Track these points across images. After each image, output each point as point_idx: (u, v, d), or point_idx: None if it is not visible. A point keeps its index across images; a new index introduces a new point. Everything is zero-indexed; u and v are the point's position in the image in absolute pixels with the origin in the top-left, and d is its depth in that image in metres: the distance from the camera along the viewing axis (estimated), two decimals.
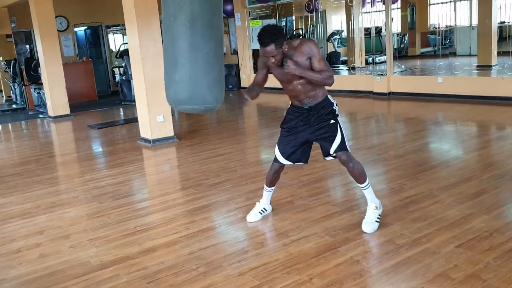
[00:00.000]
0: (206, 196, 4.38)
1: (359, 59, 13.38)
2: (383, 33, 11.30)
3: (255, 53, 12.87)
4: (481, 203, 3.68)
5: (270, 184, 3.62)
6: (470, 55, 12.82)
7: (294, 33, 14.57)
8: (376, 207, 3.40)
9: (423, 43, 15.45)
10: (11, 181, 5.43)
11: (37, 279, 3.02)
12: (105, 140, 7.71)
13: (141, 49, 6.38)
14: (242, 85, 12.43)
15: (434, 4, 15.42)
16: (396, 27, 14.96)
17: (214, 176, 4.96)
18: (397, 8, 14.84)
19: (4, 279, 3.08)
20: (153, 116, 6.64)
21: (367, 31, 13.06)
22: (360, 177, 3.34)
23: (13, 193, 4.95)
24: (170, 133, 6.84)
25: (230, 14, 12.58)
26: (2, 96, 13.70)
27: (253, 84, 3.35)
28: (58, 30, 11.26)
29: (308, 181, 4.52)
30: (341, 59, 14.41)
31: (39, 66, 10.26)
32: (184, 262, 3.09)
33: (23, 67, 11.49)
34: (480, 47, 11.43)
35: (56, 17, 10.24)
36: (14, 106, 12.42)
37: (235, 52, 13.05)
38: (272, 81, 3.47)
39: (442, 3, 14.73)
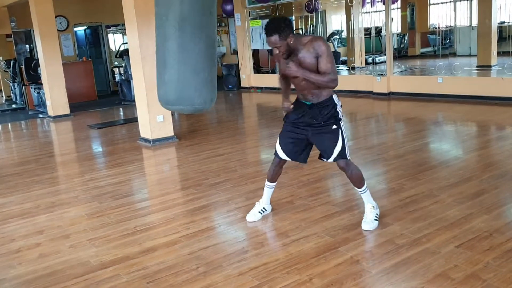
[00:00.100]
0: (206, 196, 4.38)
1: (359, 59, 13.40)
2: (383, 33, 11.29)
3: (255, 53, 12.88)
4: (481, 203, 3.69)
5: (271, 180, 3.63)
6: (470, 55, 12.84)
7: (294, 33, 14.53)
8: (373, 206, 3.44)
9: (423, 43, 15.47)
10: (11, 181, 5.43)
11: (37, 279, 3.02)
12: (105, 140, 7.71)
13: (141, 49, 6.38)
14: (242, 85, 12.41)
15: (434, 4, 15.43)
16: (396, 27, 14.97)
17: (214, 176, 4.96)
18: (397, 8, 14.85)
19: (4, 279, 3.07)
20: (153, 116, 6.64)
21: (367, 31, 13.07)
22: (358, 182, 3.38)
23: (13, 193, 4.95)
24: (170, 133, 6.84)
25: (230, 14, 12.58)
26: (2, 96, 13.67)
27: (282, 86, 3.45)
28: (58, 30, 11.27)
29: (308, 181, 4.52)
30: (341, 59, 14.41)
31: (39, 66, 10.25)
32: (184, 262, 3.09)
33: (23, 67, 11.47)
34: (480, 47, 11.44)
35: (56, 17, 10.23)
36: (14, 106, 12.40)
37: (235, 52, 13.04)
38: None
39: (442, 3, 14.74)
